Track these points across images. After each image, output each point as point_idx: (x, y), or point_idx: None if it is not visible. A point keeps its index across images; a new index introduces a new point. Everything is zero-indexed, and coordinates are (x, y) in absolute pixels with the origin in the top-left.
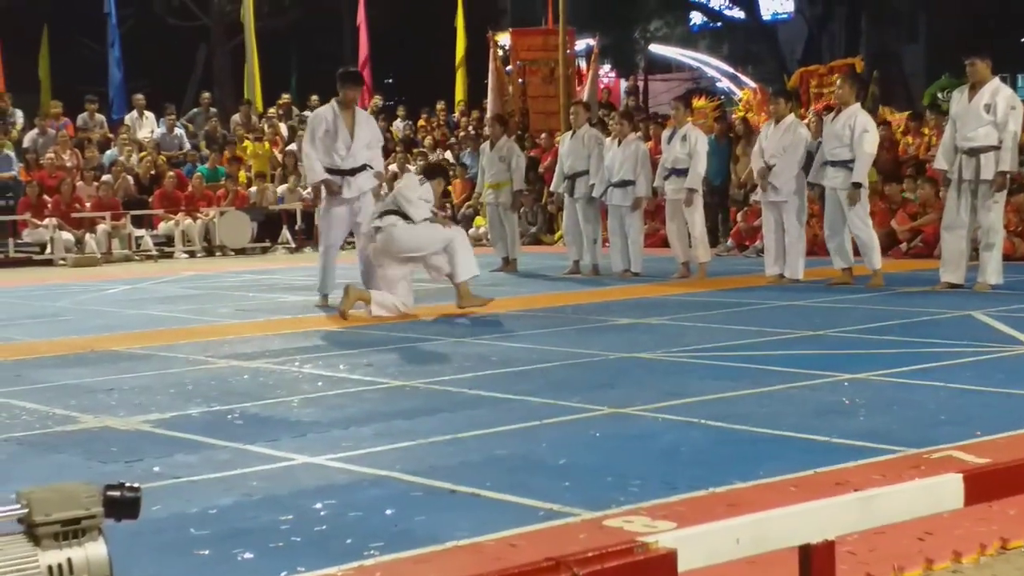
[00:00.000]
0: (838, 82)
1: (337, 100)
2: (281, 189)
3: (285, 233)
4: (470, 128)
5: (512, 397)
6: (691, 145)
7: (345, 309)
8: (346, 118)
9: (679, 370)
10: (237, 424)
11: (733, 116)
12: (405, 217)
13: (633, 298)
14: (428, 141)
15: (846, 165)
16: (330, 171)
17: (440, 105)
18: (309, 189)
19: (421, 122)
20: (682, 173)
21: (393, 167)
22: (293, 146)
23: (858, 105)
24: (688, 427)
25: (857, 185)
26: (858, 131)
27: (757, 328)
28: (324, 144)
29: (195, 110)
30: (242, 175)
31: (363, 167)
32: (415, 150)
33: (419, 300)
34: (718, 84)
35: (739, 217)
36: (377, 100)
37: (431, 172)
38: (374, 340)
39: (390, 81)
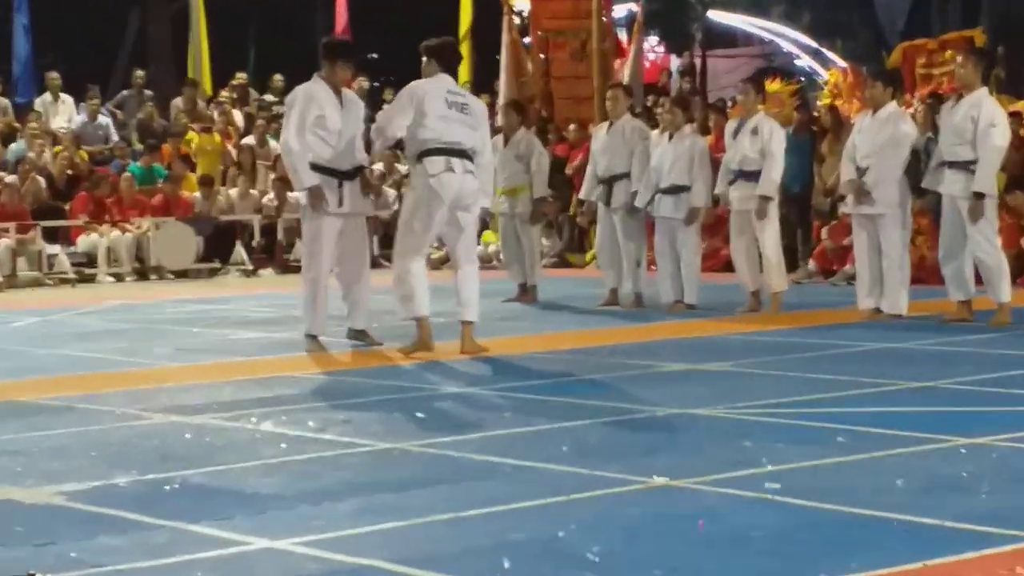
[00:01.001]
0: (959, 60)
1: (322, 78)
2: (234, 194)
3: (240, 251)
4: None
5: (531, 465)
6: (763, 141)
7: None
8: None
9: (747, 431)
10: (177, 497)
11: (817, 104)
12: None
13: (687, 337)
14: None
15: (968, 168)
16: (322, 170)
17: None
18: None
19: None
20: (752, 177)
21: (379, 166)
22: (250, 139)
23: (984, 90)
24: (759, 506)
25: (980, 195)
26: (983, 124)
27: (848, 378)
28: (317, 134)
29: (125, 92)
30: (188, 177)
31: (359, 168)
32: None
33: (401, 337)
34: (797, 62)
35: (824, 234)
36: (361, 82)
37: None
38: (354, 389)
39: (375, 57)
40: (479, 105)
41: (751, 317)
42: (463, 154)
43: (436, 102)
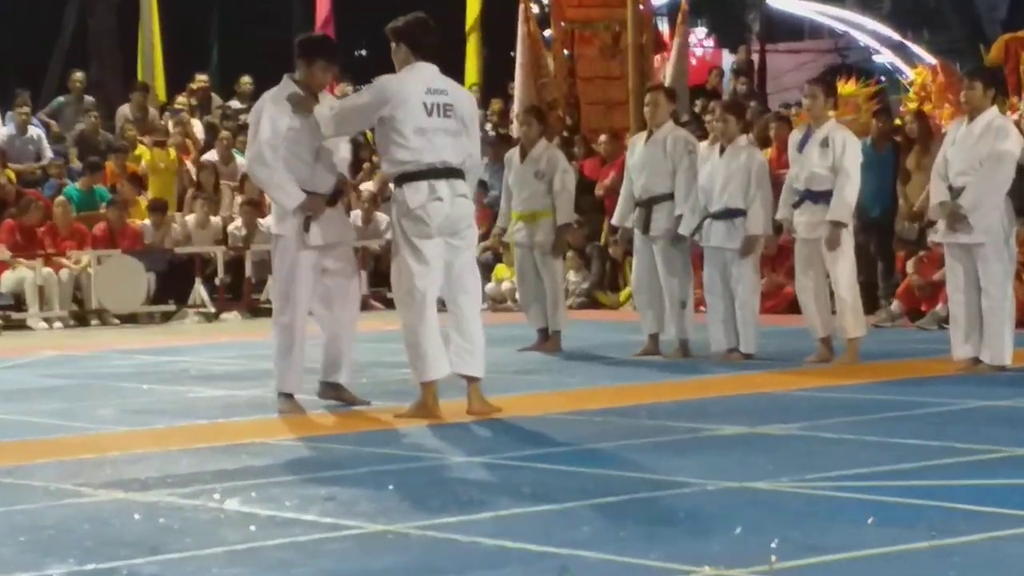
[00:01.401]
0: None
1: (295, 82)
2: (192, 221)
3: (199, 290)
4: (488, 127)
5: (553, 551)
6: (835, 155)
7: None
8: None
9: (817, 509)
10: None
11: (901, 109)
12: None
13: (744, 394)
14: None
15: None
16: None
17: None
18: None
19: None
20: (821, 198)
21: (370, 186)
22: (213, 154)
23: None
24: None
25: None
26: None
27: (939, 443)
28: (291, 150)
29: (61, 99)
30: (138, 201)
31: (338, 192)
32: None
33: (394, 395)
34: (876, 58)
35: (910, 267)
36: (345, 87)
37: None
38: (338, 460)
39: (362, 54)
40: (466, 101)
41: (821, 369)
42: (451, 174)
43: (412, 110)
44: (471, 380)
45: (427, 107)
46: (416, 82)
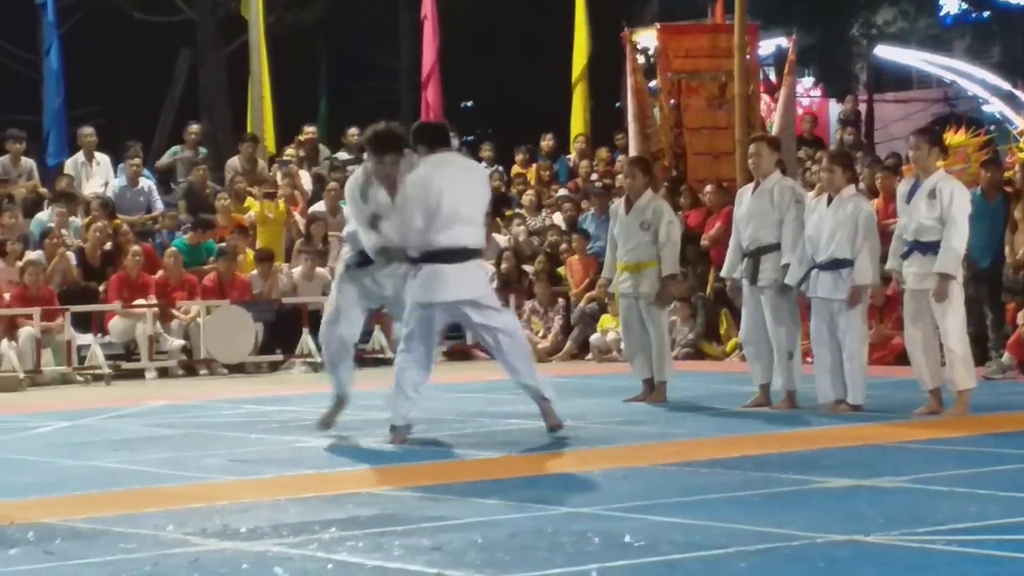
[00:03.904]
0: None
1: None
2: (298, 273)
3: (307, 340)
4: (594, 177)
5: None
6: (943, 205)
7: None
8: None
9: (930, 563)
10: None
11: (1010, 159)
12: None
13: (852, 446)
14: (528, 197)
15: None
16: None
17: (547, 141)
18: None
19: (517, 167)
20: (929, 249)
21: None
22: (321, 206)
23: None
24: None
25: None
26: None
27: None
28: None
29: (176, 148)
30: (247, 253)
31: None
32: (508, 212)
33: (505, 445)
34: (985, 108)
35: (1020, 318)
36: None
37: None
38: (446, 509)
39: (469, 105)
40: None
41: (931, 421)
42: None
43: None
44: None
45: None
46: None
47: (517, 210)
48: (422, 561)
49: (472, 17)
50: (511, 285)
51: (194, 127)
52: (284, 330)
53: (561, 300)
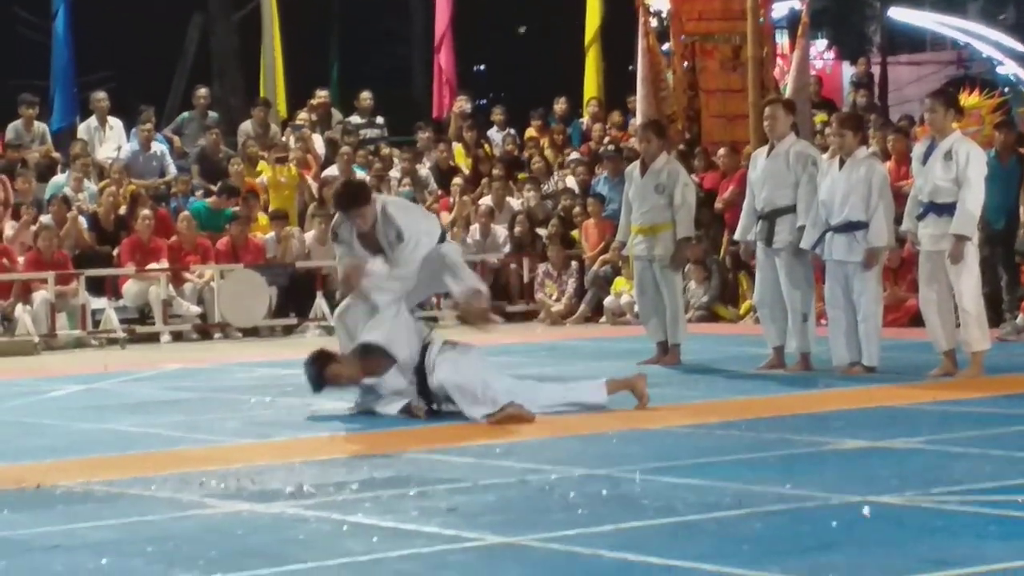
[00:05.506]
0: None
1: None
2: (311, 237)
3: (320, 304)
4: (607, 140)
5: (675, 564)
6: (958, 167)
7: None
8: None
9: (944, 524)
10: None
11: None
12: None
13: (866, 408)
14: (539, 162)
15: None
16: None
17: (560, 105)
18: None
19: (531, 131)
20: (944, 210)
21: (487, 201)
22: (333, 170)
23: None
24: None
25: None
26: None
27: None
28: None
29: (186, 115)
30: (261, 218)
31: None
32: (521, 175)
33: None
34: (999, 70)
35: None
36: (463, 102)
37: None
38: (459, 472)
39: (481, 69)
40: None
41: (945, 383)
42: None
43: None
44: None
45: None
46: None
47: (530, 174)
48: (437, 522)
49: None
50: (524, 249)
51: (202, 91)
52: (298, 294)
53: (574, 263)
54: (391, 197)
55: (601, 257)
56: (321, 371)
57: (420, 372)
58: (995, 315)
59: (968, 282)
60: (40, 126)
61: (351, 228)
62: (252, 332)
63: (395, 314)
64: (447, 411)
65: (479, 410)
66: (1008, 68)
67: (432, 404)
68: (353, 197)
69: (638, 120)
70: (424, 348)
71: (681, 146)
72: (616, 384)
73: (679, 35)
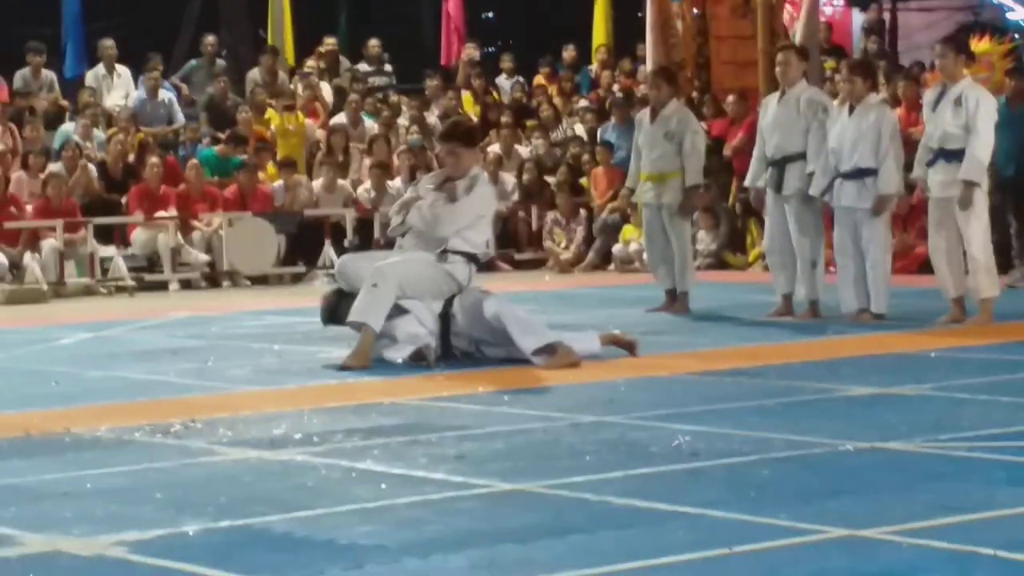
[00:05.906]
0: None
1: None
2: (319, 185)
3: (328, 252)
4: (616, 87)
5: (683, 510)
6: (968, 113)
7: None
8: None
9: (952, 470)
10: (257, 548)
11: None
12: None
13: (875, 355)
14: (548, 109)
15: None
16: None
17: (569, 52)
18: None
19: (539, 79)
20: (954, 157)
21: (496, 148)
22: (342, 117)
23: None
24: (969, 563)
25: None
26: None
27: None
28: None
29: (193, 62)
30: (269, 168)
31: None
32: (529, 122)
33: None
34: (1009, 16)
35: None
36: (471, 50)
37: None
38: (467, 419)
39: (490, 16)
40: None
41: (954, 329)
42: None
43: None
44: None
45: None
46: None
47: (539, 121)
48: (446, 469)
49: None
50: (533, 197)
51: (210, 38)
52: (306, 242)
53: (583, 211)
54: (491, 186)
55: (610, 205)
56: (335, 307)
57: (444, 318)
58: (1004, 262)
59: (977, 229)
60: (48, 74)
61: (433, 181)
62: (260, 280)
63: (423, 259)
64: (464, 359)
65: (531, 341)
66: (1019, 14)
67: (454, 351)
68: (465, 133)
69: (647, 67)
70: (451, 298)
71: (694, 93)
72: (608, 338)
73: None
